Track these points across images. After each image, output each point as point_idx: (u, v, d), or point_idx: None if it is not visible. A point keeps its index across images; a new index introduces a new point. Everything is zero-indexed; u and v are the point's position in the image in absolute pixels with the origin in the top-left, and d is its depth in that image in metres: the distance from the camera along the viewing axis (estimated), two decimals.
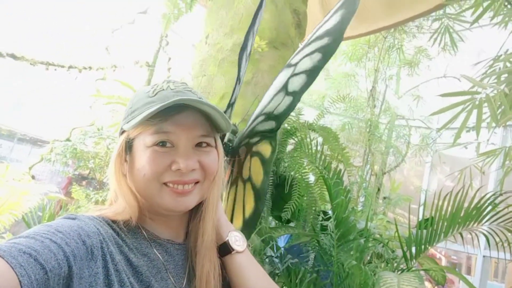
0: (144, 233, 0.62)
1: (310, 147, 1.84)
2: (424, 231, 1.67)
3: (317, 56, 1.00)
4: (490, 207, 1.82)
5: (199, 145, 0.62)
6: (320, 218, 1.92)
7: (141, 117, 0.57)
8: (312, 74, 1.03)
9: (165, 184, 0.60)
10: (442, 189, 1.78)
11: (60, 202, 2.78)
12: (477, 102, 1.86)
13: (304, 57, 1.04)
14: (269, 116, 1.12)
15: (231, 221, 1.09)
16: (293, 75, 1.05)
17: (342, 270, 1.56)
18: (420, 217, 1.77)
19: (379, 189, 3.96)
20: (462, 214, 1.78)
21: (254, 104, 1.52)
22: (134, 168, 0.61)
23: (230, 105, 1.18)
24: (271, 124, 1.12)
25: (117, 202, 0.62)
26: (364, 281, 1.49)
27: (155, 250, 0.61)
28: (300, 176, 1.92)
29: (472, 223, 1.83)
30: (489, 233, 1.76)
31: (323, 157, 1.83)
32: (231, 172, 1.16)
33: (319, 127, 2.15)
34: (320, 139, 2.18)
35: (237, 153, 1.21)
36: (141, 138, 0.60)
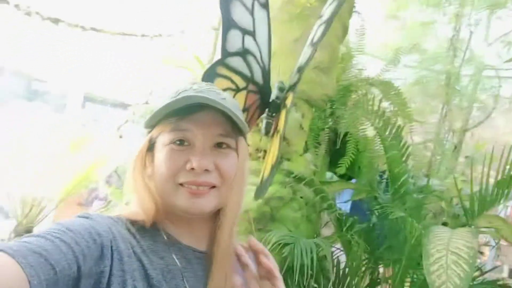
0: (164, 236, 0.60)
1: (370, 103, 1.81)
2: (491, 187, 1.58)
3: (334, 2, 1.03)
4: None
5: (219, 146, 0.60)
6: (379, 175, 1.92)
7: (156, 113, 0.59)
8: (329, 21, 1.07)
9: (180, 185, 0.58)
10: None
11: None
12: None
13: (330, 5, 1.07)
14: (298, 70, 1.19)
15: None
16: (320, 24, 1.10)
17: (396, 224, 1.58)
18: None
19: (455, 147, 3.68)
20: None
21: None
22: (155, 168, 0.60)
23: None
24: (296, 78, 1.18)
25: (136, 203, 0.61)
26: (418, 236, 1.50)
27: (173, 255, 0.59)
28: (357, 132, 1.92)
29: None
30: None
31: (381, 113, 1.79)
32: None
33: (379, 81, 2.08)
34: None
35: (284, 106, 1.29)
36: (161, 137, 0.60)
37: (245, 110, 1.29)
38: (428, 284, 1.17)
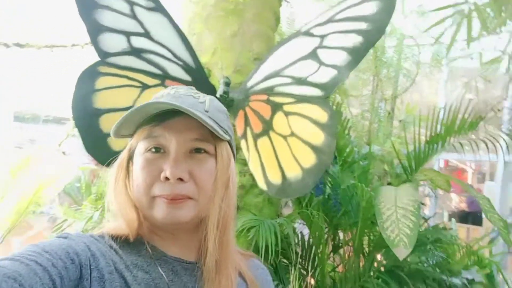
0: (149, 249, 0.58)
1: None
2: (423, 145, 1.79)
3: (356, 38, 1.14)
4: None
5: (196, 151, 0.57)
6: None
7: (122, 120, 0.56)
8: (353, 53, 1.17)
9: (156, 197, 0.56)
10: (461, 102, 1.83)
11: (93, 171, 3.05)
12: (466, 12, 1.86)
13: (333, 32, 1.18)
14: (300, 81, 1.27)
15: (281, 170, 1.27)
16: (323, 47, 1.20)
17: (348, 191, 1.73)
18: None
19: (389, 113, 4.00)
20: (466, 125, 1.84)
21: (243, 55, 1.62)
22: (133, 179, 0.58)
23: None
24: (311, 91, 1.26)
25: (118, 216, 0.59)
26: (369, 199, 1.66)
27: (159, 269, 0.56)
28: None
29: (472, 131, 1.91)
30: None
31: None
32: (245, 125, 1.31)
33: None
34: None
35: (241, 106, 1.36)
36: (138, 146, 0.58)
37: None
38: (384, 239, 1.32)
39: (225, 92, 1.41)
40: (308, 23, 1.23)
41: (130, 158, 0.61)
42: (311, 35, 1.22)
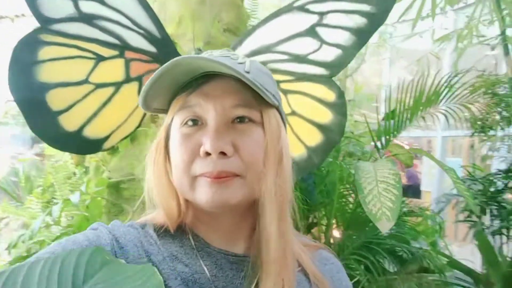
0: (191, 239, 0.52)
1: None
2: (392, 121, 1.81)
3: (360, 19, 1.08)
4: (447, 89, 1.97)
5: (239, 121, 0.49)
6: None
7: (147, 87, 0.47)
8: (358, 34, 1.11)
9: (197, 177, 0.48)
10: (404, 81, 1.89)
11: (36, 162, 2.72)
12: None
13: (334, 11, 1.11)
14: (299, 59, 1.18)
15: None
16: (323, 25, 1.12)
17: (322, 170, 1.70)
18: (386, 110, 1.90)
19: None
20: (423, 100, 1.92)
21: (215, 25, 1.47)
22: (171, 160, 0.52)
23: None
24: (313, 69, 1.17)
25: (160, 203, 0.54)
26: (341, 175, 1.64)
27: (201, 262, 0.50)
28: None
29: (432, 106, 1.98)
30: (448, 112, 1.93)
31: None
32: None
33: None
34: None
35: None
36: (174, 121, 0.51)
37: (135, 79, 1.21)
38: (367, 214, 1.30)
39: None
40: None
41: (167, 137, 0.53)
42: (307, 11, 1.12)
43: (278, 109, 0.52)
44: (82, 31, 1.22)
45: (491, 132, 2.41)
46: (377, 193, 1.34)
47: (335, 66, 1.17)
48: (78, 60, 1.22)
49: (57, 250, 0.45)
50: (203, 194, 0.47)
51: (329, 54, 1.15)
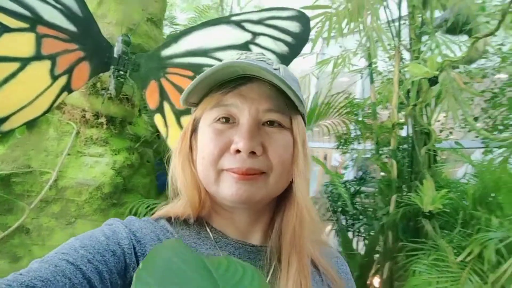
0: (209, 231, 0.54)
1: None
2: None
3: (284, 47, 1.22)
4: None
5: (269, 124, 0.51)
6: None
7: (193, 86, 0.50)
8: (281, 59, 1.26)
9: (223, 171, 0.50)
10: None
11: None
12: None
13: (265, 34, 1.23)
14: None
15: None
16: (255, 44, 1.22)
17: None
18: None
19: None
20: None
21: (139, 13, 1.39)
22: (198, 152, 0.53)
23: None
24: None
25: (179, 197, 0.55)
26: None
27: (220, 252, 0.52)
28: None
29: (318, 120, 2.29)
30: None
31: None
32: (162, 98, 1.16)
33: None
34: None
35: (154, 76, 1.17)
36: (204, 116, 0.53)
37: (46, 58, 1.09)
38: None
39: (125, 53, 1.18)
40: (239, 14, 1.20)
41: (194, 130, 0.55)
42: (243, 28, 1.20)
43: (303, 115, 0.55)
44: None
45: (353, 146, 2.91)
46: None
47: None
48: None
49: (76, 245, 0.44)
50: (228, 189, 0.48)
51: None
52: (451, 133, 2.40)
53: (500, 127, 2.24)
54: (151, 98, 1.15)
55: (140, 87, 1.18)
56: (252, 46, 1.20)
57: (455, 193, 1.91)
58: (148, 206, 1.24)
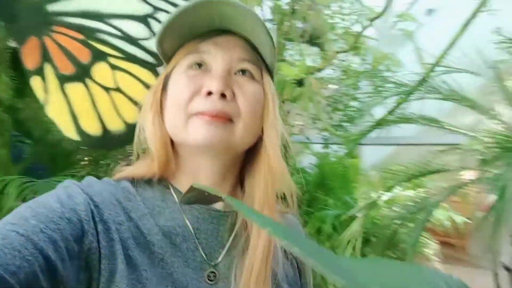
0: (173, 194, 0.52)
1: None
2: None
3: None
4: None
5: (241, 73, 0.52)
6: None
7: (165, 24, 0.49)
8: None
9: (194, 116, 0.49)
10: None
11: None
12: None
13: (164, 10, 1.18)
14: (131, 40, 1.17)
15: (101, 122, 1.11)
16: (155, 18, 1.16)
17: None
18: None
19: None
20: None
21: None
22: (168, 101, 0.52)
23: None
24: (142, 54, 1.18)
25: (145, 156, 0.53)
26: None
27: (183, 216, 0.51)
28: None
29: None
30: None
31: None
32: (43, 59, 0.99)
33: None
34: None
35: (35, 32, 1.00)
36: (178, 65, 0.52)
37: None
38: None
39: None
40: None
41: (164, 86, 0.54)
42: (145, 0, 1.14)
43: (272, 77, 0.56)
44: None
45: None
46: None
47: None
48: None
49: (26, 214, 0.41)
50: (199, 131, 0.48)
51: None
52: (301, 129, 2.84)
53: (337, 128, 2.78)
54: (30, 57, 0.99)
55: (16, 41, 1.00)
56: (151, 21, 1.17)
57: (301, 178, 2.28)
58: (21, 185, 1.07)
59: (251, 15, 0.48)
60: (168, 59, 0.55)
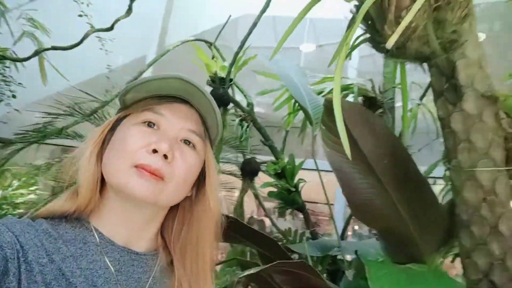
0: (96, 236, 0.53)
1: None
2: None
3: None
4: None
5: (185, 142, 0.57)
6: None
7: (137, 82, 0.55)
8: None
9: (135, 167, 0.52)
10: None
11: None
12: None
13: None
14: None
15: None
16: None
17: None
18: None
19: None
20: None
21: None
22: (112, 146, 0.55)
23: None
24: None
25: (80, 180, 0.54)
26: None
27: (105, 258, 0.52)
28: None
29: None
30: None
31: None
32: None
33: None
34: None
35: None
36: (130, 117, 0.57)
37: None
38: None
39: None
40: None
41: (112, 129, 0.58)
42: None
43: (212, 141, 0.63)
44: None
45: None
46: None
47: None
48: None
49: None
50: (138, 183, 0.51)
51: None
52: None
53: None
54: None
55: None
56: None
57: None
58: None
59: (210, 98, 0.57)
60: (125, 105, 0.59)
